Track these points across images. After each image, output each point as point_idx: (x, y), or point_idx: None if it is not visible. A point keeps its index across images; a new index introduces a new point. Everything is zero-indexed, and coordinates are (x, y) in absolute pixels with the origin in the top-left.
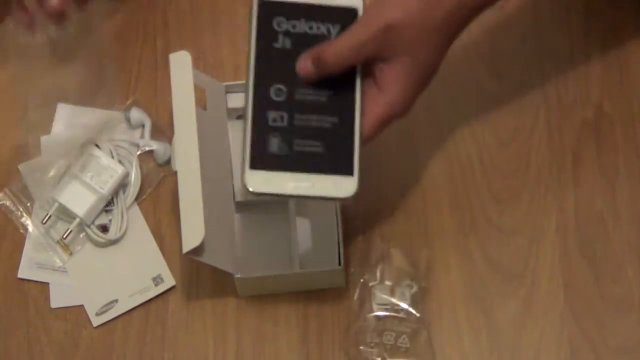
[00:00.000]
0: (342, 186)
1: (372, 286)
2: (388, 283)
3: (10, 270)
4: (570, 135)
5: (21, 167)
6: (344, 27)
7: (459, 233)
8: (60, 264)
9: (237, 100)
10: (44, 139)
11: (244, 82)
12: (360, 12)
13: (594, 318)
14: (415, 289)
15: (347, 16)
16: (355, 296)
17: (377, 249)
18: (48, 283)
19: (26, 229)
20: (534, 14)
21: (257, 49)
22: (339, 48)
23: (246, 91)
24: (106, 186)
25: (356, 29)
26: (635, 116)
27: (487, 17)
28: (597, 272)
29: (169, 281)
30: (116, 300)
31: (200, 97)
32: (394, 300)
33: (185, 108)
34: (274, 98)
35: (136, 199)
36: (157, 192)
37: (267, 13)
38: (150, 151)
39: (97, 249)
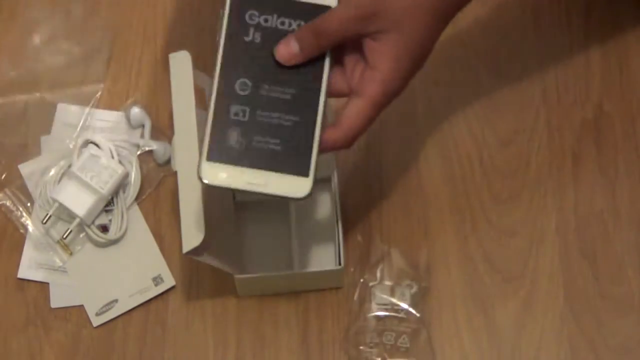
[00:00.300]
0: (296, 186)
1: (372, 286)
2: (388, 283)
3: (10, 270)
4: (570, 135)
5: (21, 167)
6: None
7: (459, 233)
8: (60, 264)
9: None
10: (44, 139)
11: None
12: None
13: (594, 318)
14: (415, 289)
15: (318, 14)
16: (355, 296)
17: (377, 249)
18: (48, 283)
19: (26, 229)
20: (534, 14)
21: (227, 40)
22: (326, 22)
23: (212, 82)
24: (106, 186)
25: (344, 5)
26: (635, 116)
27: (487, 17)
28: (597, 272)
29: (169, 281)
30: (116, 300)
31: (200, 97)
32: (394, 300)
33: (185, 108)
34: (238, 92)
35: (136, 199)
36: (157, 192)
37: (240, 5)
38: (150, 151)
39: (97, 249)
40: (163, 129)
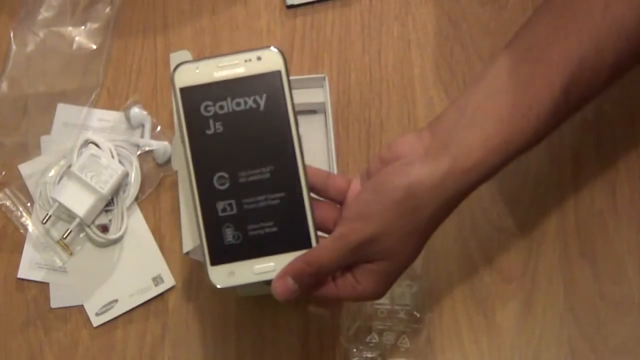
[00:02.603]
0: None
1: None
2: None
3: (10, 270)
4: (570, 135)
5: (21, 167)
6: (270, 95)
7: (459, 233)
8: (60, 264)
9: None
10: (44, 139)
11: None
12: (283, 73)
13: (594, 318)
14: (415, 289)
15: (271, 82)
16: None
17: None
18: (48, 283)
19: (26, 229)
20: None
21: (191, 139)
22: (320, 263)
23: (190, 185)
24: (106, 186)
25: (334, 243)
26: (635, 116)
27: (487, 17)
28: (597, 272)
29: (169, 281)
30: (116, 300)
31: None
32: (394, 300)
33: None
34: (219, 187)
35: (136, 199)
36: (157, 192)
37: (192, 100)
38: (150, 151)
39: (97, 249)
40: (163, 129)
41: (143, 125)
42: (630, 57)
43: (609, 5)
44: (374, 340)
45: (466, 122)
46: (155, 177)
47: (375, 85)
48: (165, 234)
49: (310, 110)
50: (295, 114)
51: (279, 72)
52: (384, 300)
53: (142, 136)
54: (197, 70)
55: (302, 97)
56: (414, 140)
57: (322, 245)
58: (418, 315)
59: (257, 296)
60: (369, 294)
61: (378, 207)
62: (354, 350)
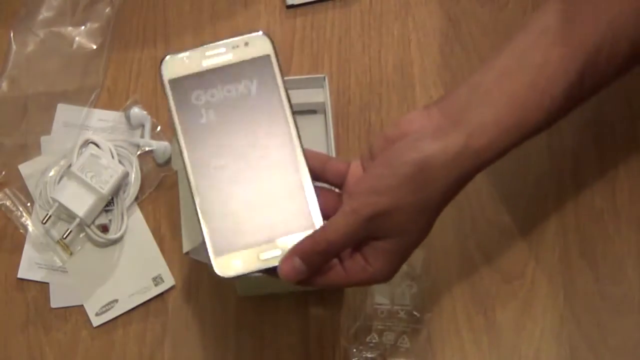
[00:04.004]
0: None
1: (372, 286)
2: (388, 283)
3: (10, 270)
4: (570, 135)
5: (21, 167)
6: (261, 79)
7: (459, 233)
8: (60, 264)
9: None
10: (44, 139)
11: None
12: (273, 57)
13: (594, 318)
14: (415, 289)
15: (261, 67)
16: (355, 296)
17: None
18: (48, 283)
19: (26, 229)
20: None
21: (184, 130)
22: (329, 239)
23: (187, 177)
24: (106, 186)
25: (344, 218)
26: (635, 116)
27: (487, 17)
28: (597, 272)
29: (169, 281)
30: (116, 300)
31: None
32: (394, 300)
33: None
34: (217, 176)
35: (136, 199)
36: (157, 192)
37: (182, 91)
38: (150, 151)
39: (97, 249)
40: (163, 129)
41: (143, 125)
42: None
43: None
44: (374, 340)
45: (479, 101)
46: (155, 177)
47: (375, 85)
48: (165, 234)
49: (310, 110)
50: (289, 96)
51: (268, 56)
52: (384, 300)
53: (142, 136)
54: (185, 61)
55: (302, 97)
56: (422, 117)
57: (331, 222)
58: (418, 315)
59: (257, 296)
60: (380, 275)
61: (391, 182)
62: (354, 350)
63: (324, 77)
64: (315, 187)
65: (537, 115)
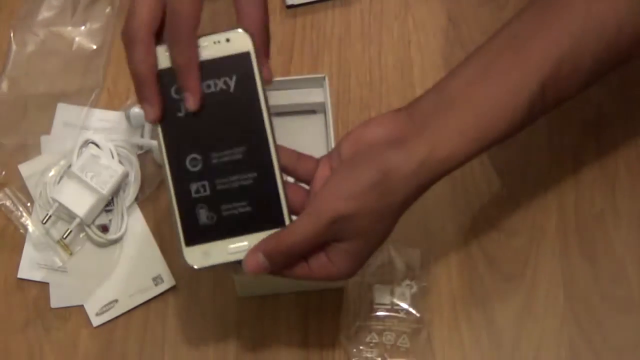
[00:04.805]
0: None
1: (372, 286)
2: (388, 283)
3: (10, 270)
4: (570, 135)
5: (21, 167)
6: (240, 76)
7: (459, 233)
8: (60, 264)
9: None
10: (44, 138)
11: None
12: (252, 54)
13: (594, 318)
14: (415, 289)
15: (241, 63)
16: (355, 296)
17: (377, 249)
18: (48, 283)
19: (26, 229)
20: None
21: (162, 122)
22: (292, 240)
23: (163, 167)
24: (106, 186)
25: (307, 220)
26: (635, 116)
27: (487, 17)
28: (597, 272)
29: (169, 281)
30: (116, 300)
31: None
32: (394, 300)
33: None
34: (191, 169)
35: (136, 199)
36: (157, 192)
37: (162, 83)
38: (150, 151)
39: (97, 249)
40: None
41: (143, 125)
42: (607, 62)
43: (591, 7)
44: (374, 340)
45: (445, 107)
46: (155, 177)
47: (375, 85)
48: (165, 234)
49: (310, 110)
50: (266, 94)
51: (247, 53)
52: (384, 300)
53: (142, 136)
54: (166, 54)
55: (302, 97)
56: (390, 121)
57: (296, 224)
58: (418, 315)
59: (257, 296)
60: (342, 274)
61: (355, 188)
62: (354, 350)
63: (324, 77)
64: (286, 184)
65: (499, 125)
